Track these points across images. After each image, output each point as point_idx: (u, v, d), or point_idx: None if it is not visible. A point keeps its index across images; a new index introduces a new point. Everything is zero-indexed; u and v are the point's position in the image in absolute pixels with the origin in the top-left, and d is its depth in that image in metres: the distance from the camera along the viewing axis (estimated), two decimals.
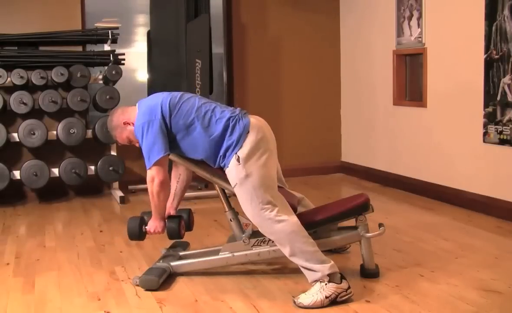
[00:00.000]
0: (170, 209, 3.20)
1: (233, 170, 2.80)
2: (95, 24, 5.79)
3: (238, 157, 2.78)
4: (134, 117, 2.96)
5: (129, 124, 3.00)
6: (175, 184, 3.22)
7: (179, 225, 3.10)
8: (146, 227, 3.11)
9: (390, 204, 4.91)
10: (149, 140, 2.84)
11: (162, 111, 2.87)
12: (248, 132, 2.82)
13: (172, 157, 3.00)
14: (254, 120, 2.90)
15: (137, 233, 3.11)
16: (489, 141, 4.32)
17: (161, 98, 2.93)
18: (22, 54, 5.15)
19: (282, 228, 2.74)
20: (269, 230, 2.78)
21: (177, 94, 2.97)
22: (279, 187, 2.94)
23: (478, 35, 4.34)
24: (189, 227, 3.29)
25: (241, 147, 2.79)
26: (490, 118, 4.30)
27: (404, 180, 5.35)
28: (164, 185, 2.91)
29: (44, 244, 3.91)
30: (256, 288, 2.97)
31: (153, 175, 2.87)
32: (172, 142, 2.90)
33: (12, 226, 4.42)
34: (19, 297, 2.95)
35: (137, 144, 3.04)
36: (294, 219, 2.79)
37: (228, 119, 2.86)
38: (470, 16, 4.44)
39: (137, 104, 3.02)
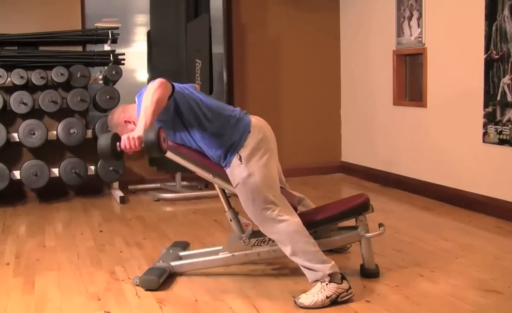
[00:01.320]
0: None
1: (235, 170, 2.79)
2: (95, 24, 5.79)
3: (240, 156, 2.78)
4: (135, 116, 2.92)
5: (130, 123, 2.97)
6: None
7: (158, 136, 2.49)
8: (119, 144, 2.58)
9: (390, 204, 4.91)
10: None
11: None
12: (249, 132, 2.82)
13: (172, 156, 2.99)
14: (255, 120, 2.90)
15: (109, 150, 2.56)
16: (488, 141, 4.32)
17: None
18: (22, 54, 5.15)
19: (283, 228, 2.74)
20: (271, 229, 2.78)
21: (181, 84, 2.93)
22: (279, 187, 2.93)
23: (478, 35, 4.34)
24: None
25: (242, 147, 2.79)
26: (490, 118, 4.30)
27: (404, 180, 5.35)
28: (164, 85, 2.61)
29: (44, 244, 3.91)
30: (256, 288, 2.97)
31: (154, 81, 2.61)
32: (171, 128, 2.85)
33: (12, 226, 4.42)
34: (19, 297, 2.95)
35: None
36: (295, 218, 2.79)
37: (229, 118, 2.85)
38: (470, 16, 4.44)
39: (136, 97, 2.96)
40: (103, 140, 2.56)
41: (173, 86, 2.71)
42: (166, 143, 2.57)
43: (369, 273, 3.06)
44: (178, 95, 2.77)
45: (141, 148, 2.53)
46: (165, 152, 2.62)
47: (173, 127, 2.86)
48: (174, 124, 2.85)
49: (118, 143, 2.57)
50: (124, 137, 2.53)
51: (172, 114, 2.80)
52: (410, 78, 5.41)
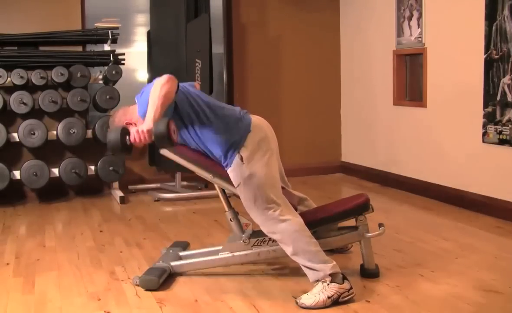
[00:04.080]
0: None
1: (237, 170, 2.79)
2: (95, 24, 5.79)
3: (241, 156, 2.77)
4: (137, 117, 2.92)
5: (131, 125, 2.98)
6: None
7: (168, 128, 2.54)
8: (129, 137, 2.62)
9: (390, 204, 4.91)
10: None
11: None
12: (250, 132, 2.82)
13: (172, 156, 2.99)
14: (256, 119, 2.90)
15: (119, 144, 2.59)
16: (488, 141, 4.32)
17: None
18: (22, 54, 5.15)
19: (285, 228, 2.74)
20: (272, 229, 2.77)
21: (182, 83, 2.92)
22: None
23: (478, 35, 4.34)
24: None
25: (243, 147, 2.79)
26: (489, 118, 4.30)
27: (404, 180, 5.35)
28: (171, 80, 2.63)
29: (44, 244, 3.91)
30: (256, 288, 2.97)
31: (161, 77, 2.65)
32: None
33: (12, 226, 4.42)
34: (19, 297, 2.95)
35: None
36: (297, 218, 2.79)
37: (229, 118, 2.85)
38: (470, 16, 4.44)
39: (136, 98, 2.96)
40: (113, 135, 2.60)
41: (177, 84, 2.72)
42: (176, 135, 2.62)
43: (369, 273, 3.06)
44: (180, 93, 2.77)
45: (151, 140, 2.56)
46: (175, 144, 2.65)
47: (176, 121, 2.83)
48: (175, 121, 2.83)
49: (127, 137, 2.61)
50: (133, 131, 2.57)
51: (172, 112, 2.79)
52: (410, 78, 5.41)
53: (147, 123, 2.57)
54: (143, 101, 2.73)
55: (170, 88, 2.62)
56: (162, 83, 2.60)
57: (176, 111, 2.80)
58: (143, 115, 2.67)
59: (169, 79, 2.62)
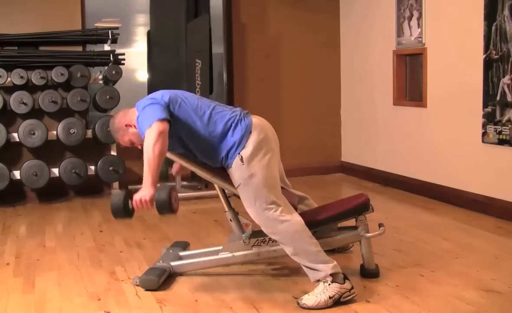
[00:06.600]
0: None
1: (237, 170, 2.79)
2: (95, 24, 5.79)
3: (242, 157, 2.77)
4: (136, 120, 2.93)
5: (131, 127, 2.98)
6: None
7: (170, 196, 2.68)
8: (132, 201, 2.71)
9: (390, 204, 4.91)
10: (151, 108, 2.72)
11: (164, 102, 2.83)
12: (251, 132, 2.82)
13: (171, 156, 3.00)
14: (256, 120, 2.90)
15: (122, 209, 2.73)
16: (488, 141, 4.32)
17: (161, 93, 2.90)
18: (22, 54, 5.15)
19: (285, 228, 2.74)
20: (273, 229, 2.77)
21: (177, 91, 2.95)
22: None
23: (478, 35, 4.35)
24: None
25: (244, 147, 2.78)
26: (489, 118, 4.30)
27: (404, 180, 5.35)
28: (163, 136, 2.65)
29: (44, 244, 3.91)
30: (256, 288, 2.97)
31: (151, 128, 2.65)
32: (171, 139, 2.87)
33: (12, 226, 4.42)
34: (19, 297, 2.95)
35: (139, 147, 3.02)
36: (297, 218, 2.79)
37: (229, 119, 2.85)
38: (470, 16, 4.44)
39: (135, 105, 2.99)
40: (116, 199, 2.72)
41: (169, 121, 2.72)
42: (177, 204, 2.72)
43: (369, 273, 3.06)
44: (175, 114, 2.81)
45: (153, 207, 2.66)
46: (176, 212, 2.74)
47: (173, 137, 2.87)
48: (175, 135, 2.86)
49: (130, 202, 2.70)
50: (136, 199, 2.67)
51: (171, 130, 2.83)
52: (410, 78, 5.41)
53: (148, 191, 2.68)
54: (140, 115, 2.80)
55: (162, 145, 2.65)
56: (153, 142, 2.63)
57: (173, 132, 2.81)
58: (139, 118, 2.78)
59: (159, 135, 2.64)
